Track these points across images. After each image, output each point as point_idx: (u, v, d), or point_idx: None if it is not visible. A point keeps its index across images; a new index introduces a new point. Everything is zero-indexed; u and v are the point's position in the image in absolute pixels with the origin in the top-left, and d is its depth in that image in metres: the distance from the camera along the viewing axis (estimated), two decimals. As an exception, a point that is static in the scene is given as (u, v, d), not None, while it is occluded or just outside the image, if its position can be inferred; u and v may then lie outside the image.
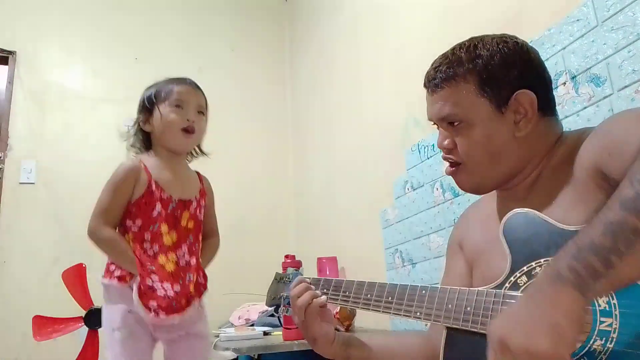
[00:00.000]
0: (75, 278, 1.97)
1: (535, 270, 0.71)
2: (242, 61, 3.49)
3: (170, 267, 1.41)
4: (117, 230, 1.44)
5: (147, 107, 1.51)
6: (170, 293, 1.38)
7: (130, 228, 1.42)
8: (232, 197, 3.14)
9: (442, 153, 0.95)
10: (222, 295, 2.88)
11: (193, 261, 1.48)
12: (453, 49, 0.92)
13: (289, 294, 1.10)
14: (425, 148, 1.90)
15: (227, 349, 1.92)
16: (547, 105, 0.88)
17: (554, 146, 0.86)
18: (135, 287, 1.35)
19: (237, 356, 1.92)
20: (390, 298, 0.89)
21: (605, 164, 0.70)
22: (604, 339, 0.61)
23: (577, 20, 1.28)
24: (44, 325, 1.98)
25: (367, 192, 2.37)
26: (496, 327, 0.60)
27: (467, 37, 0.94)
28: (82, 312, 1.97)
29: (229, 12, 3.57)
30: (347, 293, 0.98)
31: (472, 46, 0.89)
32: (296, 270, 1.23)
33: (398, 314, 0.87)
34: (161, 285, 1.38)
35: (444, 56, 0.92)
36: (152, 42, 3.25)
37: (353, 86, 2.60)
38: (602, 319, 0.62)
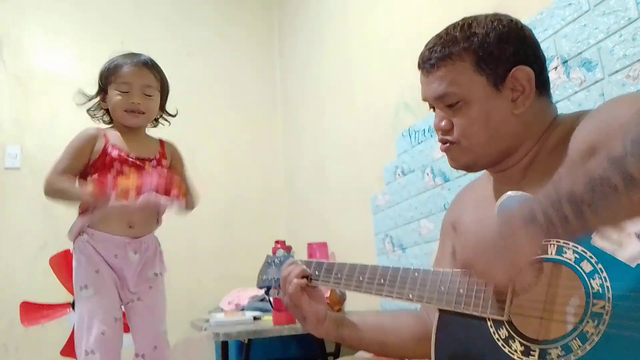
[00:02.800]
0: (63, 264, 1.96)
1: None
2: (230, 45, 3.46)
3: (132, 176, 1.45)
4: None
5: (102, 84, 1.57)
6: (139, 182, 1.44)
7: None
8: (221, 182, 3.13)
9: (438, 135, 0.93)
10: (212, 281, 2.90)
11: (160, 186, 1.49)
12: (447, 29, 0.91)
13: (279, 276, 1.09)
14: (415, 133, 1.90)
15: (217, 334, 1.92)
16: (542, 85, 0.87)
17: (549, 128, 0.86)
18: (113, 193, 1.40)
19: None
20: (382, 280, 0.89)
21: (600, 146, 0.70)
22: (596, 321, 0.61)
23: (569, 4, 1.27)
24: (32, 311, 1.97)
25: (358, 178, 2.37)
26: (467, 250, 0.70)
27: (458, 20, 0.93)
28: (70, 298, 1.96)
29: (218, -4, 3.52)
30: (339, 275, 0.97)
31: (466, 25, 0.88)
32: (287, 253, 1.22)
33: (390, 296, 0.87)
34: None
35: (438, 36, 0.90)
36: (139, 25, 3.20)
37: (343, 71, 2.58)
38: (595, 301, 0.62)
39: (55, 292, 1.97)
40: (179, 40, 3.29)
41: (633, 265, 0.60)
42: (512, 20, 0.88)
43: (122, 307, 1.53)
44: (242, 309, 2.43)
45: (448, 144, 0.90)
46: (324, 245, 2.45)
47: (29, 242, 2.67)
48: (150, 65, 1.57)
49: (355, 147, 2.41)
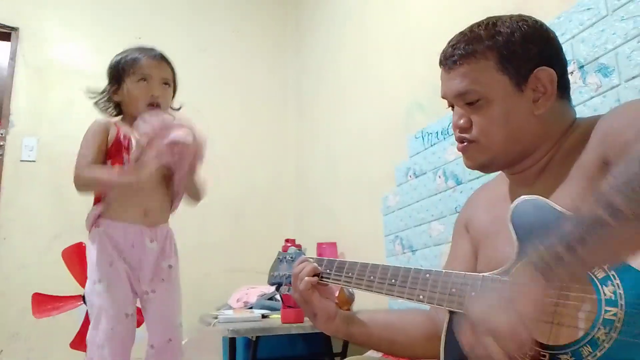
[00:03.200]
0: (75, 257, 1.97)
1: None
2: (245, 42, 3.47)
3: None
4: None
5: (115, 77, 1.57)
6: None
7: None
8: (232, 179, 3.14)
9: (455, 133, 0.91)
10: (220, 274, 2.91)
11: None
12: (471, 27, 0.90)
13: (291, 273, 1.09)
14: (428, 135, 1.89)
15: (225, 330, 1.93)
16: (563, 87, 0.86)
17: (567, 131, 0.85)
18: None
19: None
20: (393, 280, 0.88)
21: (607, 153, 0.71)
22: (608, 327, 0.60)
23: (588, 8, 1.26)
24: (44, 303, 1.99)
25: (369, 178, 2.36)
26: (472, 306, 0.67)
27: (474, 21, 0.92)
28: (82, 291, 1.97)
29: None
30: (350, 274, 0.97)
31: (490, 24, 0.87)
32: (299, 250, 1.23)
33: (401, 297, 0.86)
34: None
35: (462, 34, 0.90)
36: (155, 20, 3.22)
37: (358, 70, 2.58)
38: (607, 308, 0.61)
39: (67, 283, 1.99)
40: (194, 36, 3.31)
41: None
42: (537, 22, 0.88)
43: (138, 300, 1.54)
44: (251, 307, 2.44)
45: (465, 143, 0.89)
46: (333, 245, 2.45)
47: (43, 232, 2.70)
48: (166, 59, 1.60)
49: (367, 146, 2.41)
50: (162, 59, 1.59)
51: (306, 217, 3.19)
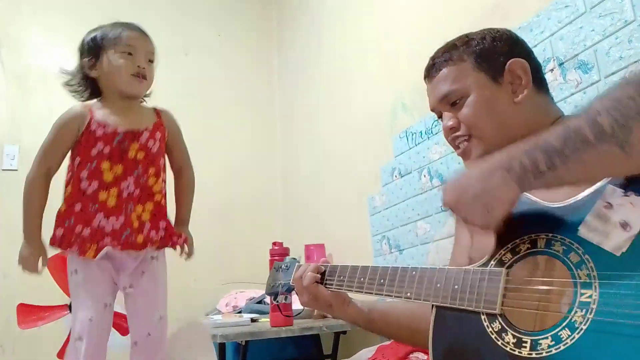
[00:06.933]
0: (60, 266, 1.95)
1: (519, 247, 0.73)
2: (229, 45, 3.45)
3: (111, 201, 1.41)
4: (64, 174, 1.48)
5: (93, 51, 1.47)
6: (117, 226, 1.40)
7: (72, 167, 1.45)
8: (218, 182, 3.13)
9: (449, 140, 0.97)
10: (208, 281, 2.89)
11: (137, 192, 1.45)
12: (446, 42, 0.99)
13: (287, 282, 1.13)
14: (413, 135, 1.90)
15: (214, 335, 1.92)
16: (540, 82, 0.93)
17: (554, 125, 0.87)
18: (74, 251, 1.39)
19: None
20: (382, 280, 0.91)
21: None
22: (584, 310, 0.62)
23: (566, 6, 1.27)
24: (29, 313, 1.96)
25: (355, 179, 2.37)
26: (448, 189, 0.76)
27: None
28: (68, 300, 1.95)
29: (216, -5, 3.52)
30: (342, 277, 1.00)
31: (463, 35, 0.97)
32: (294, 258, 1.23)
33: (390, 295, 0.89)
34: (107, 221, 1.40)
35: (440, 48, 0.99)
36: (138, 22, 3.18)
37: (340, 72, 2.58)
38: (583, 291, 0.63)
39: (52, 293, 1.96)
40: (178, 37, 3.27)
41: (618, 254, 0.61)
42: (503, 28, 0.98)
43: (120, 291, 1.48)
44: (240, 311, 2.43)
45: (462, 148, 0.94)
46: (321, 247, 2.45)
47: (26, 242, 2.66)
48: (148, 35, 1.54)
49: (352, 148, 2.41)
50: (145, 33, 1.53)
51: (294, 219, 3.19)
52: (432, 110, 1.00)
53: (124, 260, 1.45)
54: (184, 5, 3.38)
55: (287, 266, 1.20)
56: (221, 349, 2.05)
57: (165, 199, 1.54)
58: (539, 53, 1.33)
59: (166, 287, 1.55)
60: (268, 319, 2.05)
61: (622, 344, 0.57)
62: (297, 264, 1.18)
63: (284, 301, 1.18)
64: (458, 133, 0.94)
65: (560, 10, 1.28)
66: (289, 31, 3.40)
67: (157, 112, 1.57)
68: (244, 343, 2.17)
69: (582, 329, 0.61)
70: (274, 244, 2.11)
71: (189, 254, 1.60)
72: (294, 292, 1.14)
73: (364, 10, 2.37)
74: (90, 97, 1.52)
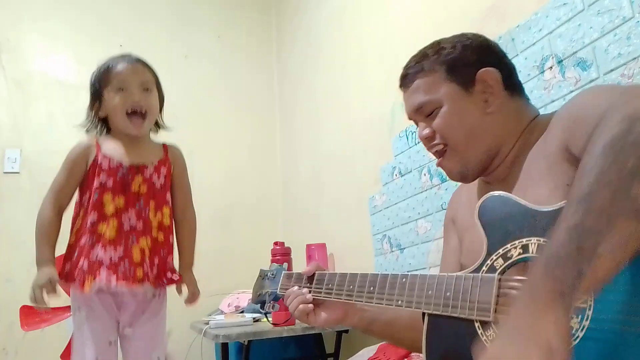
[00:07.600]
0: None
1: (510, 253, 0.71)
2: (228, 49, 3.46)
3: (111, 233, 1.40)
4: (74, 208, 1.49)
5: (95, 94, 1.50)
6: (115, 258, 1.39)
7: (81, 201, 1.47)
8: (219, 185, 3.13)
9: (427, 148, 0.98)
10: (210, 283, 2.89)
11: (139, 225, 1.45)
12: (419, 50, 0.99)
13: (274, 290, 1.13)
14: (412, 134, 1.90)
15: (216, 335, 1.92)
16: (513, 87, 0.93)
17: (529, 127, 0.90)
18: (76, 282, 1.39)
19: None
20: (372, 288, 0.90)
21: (569, 140, 0.74)
22: (579, 316, 0.61)
23: (564, 4, 1.28)
24: (32, 315, 1.97)
25: (355, 179, 2.37)
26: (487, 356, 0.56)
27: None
28: (70, 301, 1.95)
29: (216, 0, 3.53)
30: (330, 285, 0.99)
31: (435, 43, 0.97)
32: (280, 265, 1.22)
33: (380, 303, 0.88)
34: (104, 253, 1.39)
35: (413, 57, 0.99)
36: (137, 28, 3.20)
37: (339, 74, 2.59)
38: None
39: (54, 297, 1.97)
40: (178, 43, 3.29)
41: None
42: (476, 34, 0.97)
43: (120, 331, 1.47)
44: (242, 311, 2.43)
45: (440, 154, 0.95)
46: (322, 247, 2.45)
47: (29, 244, 2.65)
48: (143, 62, 1.52)
49: (352, 149, 2.42)
50: (138, 62, 1.49)
51: (295, 220, 3.19)
52: (409, 117, 1.00)
53: (125, 297, 1.44)
54: (184, 12, 3.39)
55: (273, 274, 1.18)
56: (224, 349, 2.05)
57: (166, 234, 1.53)
58: (537, 51, 1.34)
59: (165, 328, 1.54)
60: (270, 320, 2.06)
61: (619, 350, 0.56)
62: (283, 272, 1.16)
63: (271, 310, 1.18)
64: (434, 142, 0.94)
65: (559, 8, 1.29)
66: (288, 35, 3.40)
67: (165, 147, 1.58)
68: (246, 343, 2.18)
69: (578, 336, 0.60)
70: (276, 243, 2.12)
71: (189, 298, 1.58)
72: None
73: (362, 13, 2.37)
74: (107, 132, 1.54)
